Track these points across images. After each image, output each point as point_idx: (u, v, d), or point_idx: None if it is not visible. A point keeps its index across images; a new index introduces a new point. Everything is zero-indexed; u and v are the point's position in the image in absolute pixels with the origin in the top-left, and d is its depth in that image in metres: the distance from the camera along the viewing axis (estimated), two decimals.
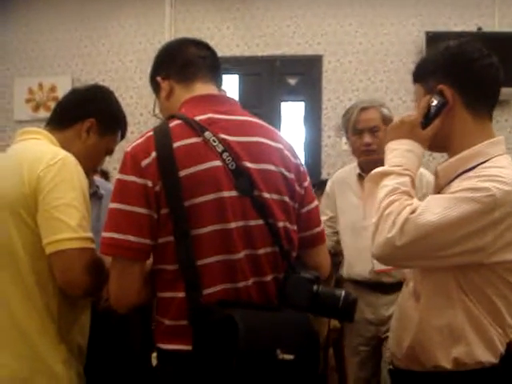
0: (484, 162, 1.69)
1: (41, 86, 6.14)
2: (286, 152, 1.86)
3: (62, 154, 1.88)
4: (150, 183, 1.64)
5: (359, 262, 3.05)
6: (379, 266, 2.93)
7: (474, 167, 1.70)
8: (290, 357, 1.56)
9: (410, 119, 1.77)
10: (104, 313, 2.06)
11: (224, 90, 1.99)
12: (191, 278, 1.64)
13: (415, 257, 1.62)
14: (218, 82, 1.94)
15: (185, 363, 1.64)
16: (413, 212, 1.57)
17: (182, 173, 1.65)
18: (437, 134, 1.76)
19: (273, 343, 1.56)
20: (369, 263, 2.97)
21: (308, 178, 1.93)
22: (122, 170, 1.68)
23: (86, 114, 2.07)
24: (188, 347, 1.62)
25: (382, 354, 3.05)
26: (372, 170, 2.97)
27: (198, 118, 1.74)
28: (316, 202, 1.95)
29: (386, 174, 1.72)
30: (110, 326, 2.08)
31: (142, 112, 6.07)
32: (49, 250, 1.78)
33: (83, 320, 2.00)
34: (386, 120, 3.00)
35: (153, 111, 2.00)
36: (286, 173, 1.82)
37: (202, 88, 1.88)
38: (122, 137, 2.24)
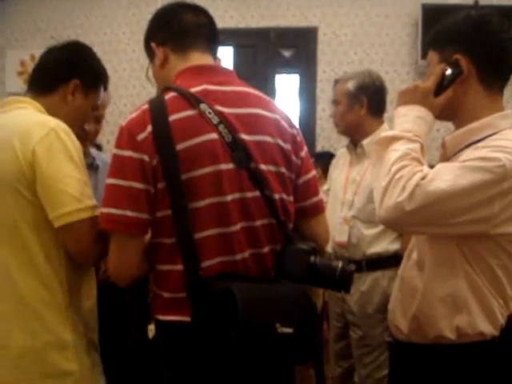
0: (493, 134, 1.70)
1: (33, 58, 6.04)
2: (283, 122, 1.86)
3: (53, 122, 1.84)
4: (146, 157, 1.64)
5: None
6: (339, 238, 3.01)
7: (482, 139, 1.70)
8: (289, 330, 1.57)
9: (425, 85, 1.75)
10: (101, 284, 2.07)
11: (219, 59, 1.97)
12: (189, 252, 1.65)
13: (422, 223, 1.63)
14: (214, 52, 1.91)
15: (184, 334, 1.66)
16: (423, 178, 1.58)
17: (179, 146, 1.65)
18: (447, 103, 1.75)
19: (272, 317, 1.57)
20: (333, 235, 3.00)
21: (305, 148, 1.92)
22: (118, 145, 1.67)
23: (70, 76, 2.00)
24: (187, 318, 1.63)
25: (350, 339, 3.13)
26: (351, 142, 3.12)
27: (193, 90, 1.72)
28: (314, 172, 1.94)
29: (396, 139, 1.71)
30: (107, 297, 2.08)
31: (134, 84, 6.03)
32: (57, 224, 1.78)
33: (90, 286, 2.01)
34: (350, 95, 3.05)
35: (146, 75, 1.96)
36: (283, 144, 1.81)
37: (198, 58, 1.84)
38: (105, 88, 2.17)
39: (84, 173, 1.84)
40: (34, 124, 1.84)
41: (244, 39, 5.99)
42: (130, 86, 6.04)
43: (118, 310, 2.29)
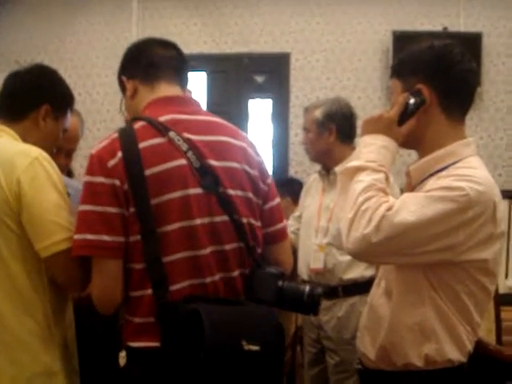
0: (456, 162, 1.72)
1: None
2: (249, 150, 1.90)
3: (35, 152, 1.85)
4: (117, 182, 1.66)
5: (304, 261, 3.12)
6: (314, 265, 3.03)
7: (446, 167, 1.72)
8: (255, 347, 1.60)
9: (388, 115, 1.77)
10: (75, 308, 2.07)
11: (190, 91, 2.00)
12: (158, 276, 1.67)
13: (389, 253, 1.63)
14: (182, 83, 1.95)
15: (154, 360, 1.67)
16: (389, 209, 1.59)
17: (148, 172, 1.68)
18: (411, 132, 1.78)
19: (238, 335, 1.60)
20: (308, 262, 3.06)
21: (270, 175, 1.97)
22: (89, 172, 1.70)
23: (40, 101, 2.00)
24: (157, 344, 1.65)
25: (326, 364, 3.12)
26: (323, 168, 3.11)
27: (161, 119, 1.76)
28: (278, 199, 1.98)
29: (361, 169, 1.72)
30: (80, 324, 2.07)
31: (108, 109, 6.02)
32: (45, 254, 1.78)
33: (70, 314, 2.01)
34: (318, 123, 3.09)
35: (120, 108, 2.00)
36: (250, 170, 1.86)
37: (166, 89, 1.89)
38: (71, 110, 2.18)
39: (67, 201, 1.86)
40: (16, 153, 1.84)
41: (217, 65, 6.00)
42: (104, 111, 6.03)
43: (89, 336, 2.27)
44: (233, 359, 1.58)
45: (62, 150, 2.47)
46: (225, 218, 1.77)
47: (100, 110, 5.98)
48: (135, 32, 5.95)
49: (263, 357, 1.63)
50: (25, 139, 1.95)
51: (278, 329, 1.71)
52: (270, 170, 1.98)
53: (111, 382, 2.18)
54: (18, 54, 6.07)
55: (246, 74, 6.01)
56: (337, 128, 3.07)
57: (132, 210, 1.67)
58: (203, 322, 1.53)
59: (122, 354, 1.81)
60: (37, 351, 1.83)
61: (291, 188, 4.50)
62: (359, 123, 3.13)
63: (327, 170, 3.15)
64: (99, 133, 5.87)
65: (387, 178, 1.72)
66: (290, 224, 3.37)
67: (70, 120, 2.16)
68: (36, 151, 1.86)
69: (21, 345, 1.81)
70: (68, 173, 3.12)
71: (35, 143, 1.92)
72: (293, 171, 5.86)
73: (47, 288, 1.85)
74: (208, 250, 1.75)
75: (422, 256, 1.62)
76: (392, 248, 1.61)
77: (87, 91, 5.99)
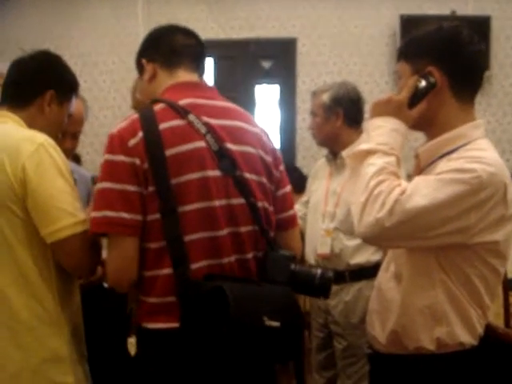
0: (466, 144, 1.71)
1: None
2: (263, 136, 1.94)
3: (40, 138, 1.85)
4: (137, 161, 1.69)
5: (311, 246, 3.12)
6: (321, 250, 3.02)
7: (456, 149, 1.71)
8: (276, 323, 1.62)
9: (399, 98, 1.76)
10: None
11: (204, 79, 2.04)
12: (179, 254, 1.70)
13: (402, 237, 1.63)
14: (200, 71, 1.99)
15: (170, 342, 1.69)
16: (402, 193, 1.58)
17: (168, 152, 1.71)
18: (421, 114, 1.77)
19: (260, 311, 1.63)
20: (315, 247, 3.06)
21: (283, 163, 2.00)
22: (109, 151, 1.72)
23: (45, 87, 2.00)
24: (173, 324, 1.67)
25: (334, 349, 3.13)
26: (330, 152, 3.11)
27: (181, 102, 1.79)
28: (289, 186, 2.02)
29: (371, 152, 1.71)
30: (88, 309, 2.08)
31: (115, 96, 6.01)
32: (50, 240, 1.79)
33: (78, 299, 2.02)
34: (325, 107, 3.08)
35: (133, 90, 2.01)
36: (264, 156, 1.89)
37: (185, 75, 1.92)
38: (76, 96, 2.18)
39: (73, 186, 1.86)
40: (21, 139, 1.84)
41: (224, 50, 5.98)
42: (110, 98, 6.02)
43: (97, 321, 2.28)
44: (255, 334, 1.62)
45: (67, 134, 2.47)
46: (241, 200, 1.80)
47: (107, 98, 5.97)
48: (141, 19, 5.93)
49: (283, 333, 1.65)
50: (30, 125, 1.95)
51: (296, 307, 1.74)
52: None
53: (120, 367, 2.19)
54: (22, 43, 5.98)
55: (253, 60, 5.99)
56: (344, 112, 3.05)
57: (151, 189, 1.69)
58: (228, 297, 1.55)
59: (131, 340, 1.82)
60: (44, 336, 1.83)
61: (290, 176, 4.49)
62: (366, 108, 3.12)
63: (334, 155, 3.14)
64: (106, 120, 5.87)
65: (398, 161, 1.71)
66: (298, 209, 3.36)
67: (74, 105, 2.16)
68: (41, 137, 1.86)
69: (28, 330, 1.82)
70: (75, 159, 3.12)
71: (40, 129, 1.92)
72: (300, 156, 5.86)
73: (54, 273, 1.86)
74: (225, 232, 1.77)
75: (435, 239, 1.62)
76: (405, 232, 1.60)
77: (93, 78, 5.98)
